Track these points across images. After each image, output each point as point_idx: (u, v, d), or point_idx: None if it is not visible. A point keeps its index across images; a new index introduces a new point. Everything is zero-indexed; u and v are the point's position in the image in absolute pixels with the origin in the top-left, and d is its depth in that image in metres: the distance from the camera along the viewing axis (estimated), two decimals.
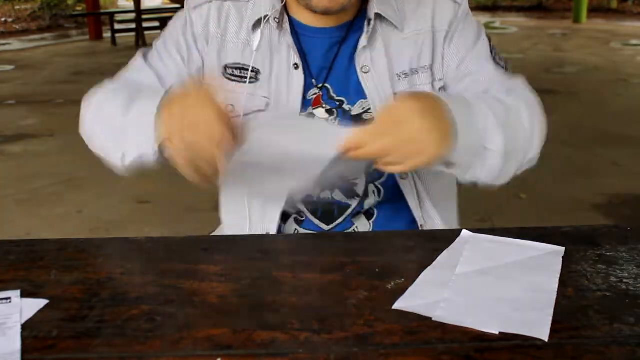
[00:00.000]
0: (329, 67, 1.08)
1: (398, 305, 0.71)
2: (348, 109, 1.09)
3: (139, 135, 0.93)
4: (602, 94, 5.77)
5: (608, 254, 0.84)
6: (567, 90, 5.86)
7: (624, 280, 0.77)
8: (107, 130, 1.01)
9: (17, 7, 12.81)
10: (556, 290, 0.74)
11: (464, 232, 0.90)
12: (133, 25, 9.13)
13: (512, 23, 11.54)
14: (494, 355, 0.63)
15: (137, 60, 1.14)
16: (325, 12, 0.99)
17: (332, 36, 1.08)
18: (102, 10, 10.80)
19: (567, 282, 0.76)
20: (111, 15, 9.84)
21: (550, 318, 0.68)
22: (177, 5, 9.13)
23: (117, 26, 9.55)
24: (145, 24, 8.91)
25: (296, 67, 1.06)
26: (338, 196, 1.15)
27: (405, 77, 1.08)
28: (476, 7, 13.32)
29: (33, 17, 12.35)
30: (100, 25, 10.28)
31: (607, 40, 9.11)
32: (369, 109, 1.08)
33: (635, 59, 7.68)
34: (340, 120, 1.09)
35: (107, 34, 9.88)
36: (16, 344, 0.66)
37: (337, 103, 1.09)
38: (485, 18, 11.89)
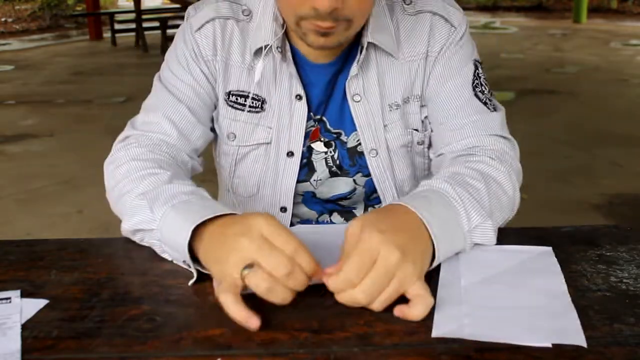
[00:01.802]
0: (326, 100, 1.05)
1: (436, 333, 0.66)
2: (345, 141, 1.07)
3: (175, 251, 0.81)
4: (602, 94, 5.77)
5: (608, 254, 0.84)
6: (567, 90, 5.86)
7: (624, 280, 0.77)
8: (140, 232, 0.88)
9: (17, 7, 12.81)
10: (567, 291, 0.74)
11: None
12: (133, 25, 9.13)
13: (512, 23, 11.54)
14: (494, 355, 0.63)
15: (160, 95, 1.04)
16: (322, 48, 0.94)
17: (332, 71, 1.04)
18: (102, 10, 10.79)
19: (567, 282, 0.76)
20: (111, 15, 9.84)
21: (579, 322, 0.67)
22: (177, 5, 9.14)
23: (117, 26, 9.55)
24: (145, 24, 8.90)
25: (299, 98, 1.03)
26: (337, 220, 1.14)
27: (397, 108, 1.05)
28: (476, 7, 13.33)
29: (33, 17, 12.35)
30: (100, 25, 10.28)
31: (607, 40, 9.11)
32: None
33: (635, 59, 7.68)
34: (339, 152, 1.08)
35: (107, 34, 9.89)
36: (16, 344, 0.66)
37: (335, 135, 1.07)
38: (485, 18, 11.89)
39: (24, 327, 0.69)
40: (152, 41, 8.64)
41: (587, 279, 0.77)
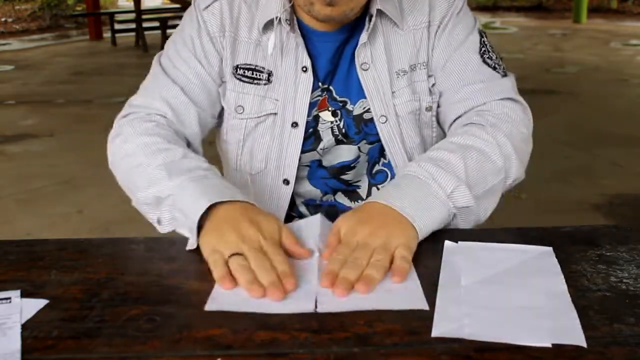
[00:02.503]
0: (333, 69, 1.07)
1: (436, 333, 0.66)
2: (351, 109, 1.09)
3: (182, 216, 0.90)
4: (602, 94, 5.77)
5: (608, 254, 0.84)
6: (567, 90, 5.86)
7: (624, 280, 0.77)
8: (144, 199, 0.95)
9: (17, 7, 12.81)
10: (567, 291, 0.74)
11: (447, 242, 0.87)
12: (133, 25, 9.13)
13: (512, 23, 11.53)
14: (494, 355, 0.62)
15: (158, 75, 1.09)
16: (327, 20, 0.97)
17: (339, 39, 1.06)
18: (102, 10, 10.79)
19: (567, 282, 0.76)
20: (111, 15, 9.84)
21: (579, 322, 0.67)
22: (177, 5, 9.13)
23: (117, 26, 9.55)
24: (145, 24, 8.90)
25: (305, 69, 1.05)
26: (341, 199, 1.15)
27: (404, 75, 1.07)
28: (476, 7, 13.32)
29: (33, 17, 12.35)
30: (100, 25, 10.28)
31: (607, 40, 9.11)
32: (370, 108, 1.07)
33: (635, 59, 7.68)
34: (345, 120, 1.09)
35: (107, 34, 9.89)
36: (16, 344, 0.66)
37: (340, 104, 1.08)
38: (485, 18, 11.89)
39: (24, 327, 0.69)
40: (152, 41, 8.63)
41: (587, 279, 0.77)
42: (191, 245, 0.86)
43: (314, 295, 0.74)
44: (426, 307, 0.71)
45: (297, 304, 0.72)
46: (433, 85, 1.10)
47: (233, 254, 0.80)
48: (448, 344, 0.64)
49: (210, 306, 0.72)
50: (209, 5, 1.07)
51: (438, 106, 1.11)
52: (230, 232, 0.82)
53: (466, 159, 0.94)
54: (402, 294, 0.74)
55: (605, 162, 3.92)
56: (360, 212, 0.88)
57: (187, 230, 0.87)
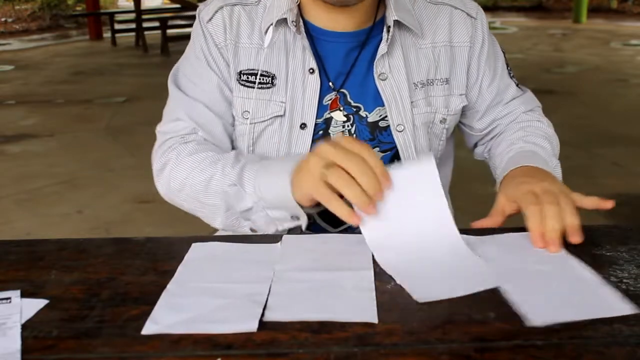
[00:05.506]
0: (346, 73, 1.07)
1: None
2: (365, 115, 1.08)
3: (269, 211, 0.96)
4: (602, 94, 5.77)
5: (608, 254, 0.84)
6: (567, 90, 5.87)
7: (624, 280, 0.77)
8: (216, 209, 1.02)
9: (17, 7, 12.81)
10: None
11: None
12: (133, 25, 9.14)
13: (512, 23, 11.54)
14: (494, 356, 0.63)
15: (178, 97, 1.10)
16: (343, 4, 0.98)
17: (350, 41, 1.06)
18: (102, 10, 10.81)
19: None
20: (111, 15, 9.86)
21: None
22: (177, 5, 9.14)
23: (117, 26, 9.57)
24: (145, 24, 8.91)
25: (312, 71, 1.05)
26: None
27: (422, 87, 1.09)
28: None
29: (33, 17, 12.36)
30: (100, 25, 10.30)
31: (607, 40, 9.12)
32: (386, 116, 1.08)
33: (635, 59, 7.68)
34: (357, 126, 1.09)
35: (107, 34, 9.90)
36: (16, 344, 0.66)
37: (354, 109, 1.08)
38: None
39: (24, 327, 0.69)
40: (152, 41, 8.64)
41: None
42: (304, 223, 0.94)
43: (259, 313, 0.69)
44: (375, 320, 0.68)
45: (241, 323, 0.67)
46: (465, 107, 1.14)
47: (327, 167, 0.83)
48: (448, 344, 0.64)
49: (148, 329, 0.67)
50: (211, 18, 1.09)
51: (464, 115, 1.18)
52: (304, 163, 0.88)
53: (552, 145, 1.14)
54: (351, 305, 0.71)
55: (605, 162, 3.92)
56: (514, 175, 1.00)
57: (292, 217, 0.94)
